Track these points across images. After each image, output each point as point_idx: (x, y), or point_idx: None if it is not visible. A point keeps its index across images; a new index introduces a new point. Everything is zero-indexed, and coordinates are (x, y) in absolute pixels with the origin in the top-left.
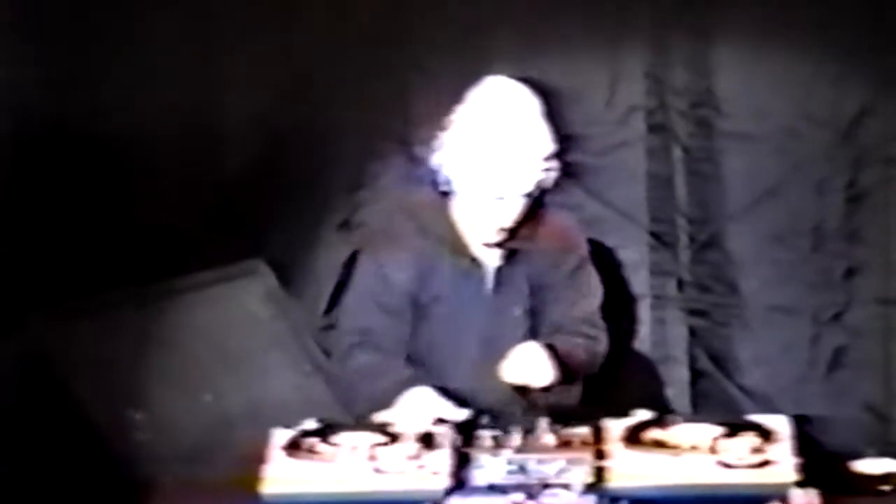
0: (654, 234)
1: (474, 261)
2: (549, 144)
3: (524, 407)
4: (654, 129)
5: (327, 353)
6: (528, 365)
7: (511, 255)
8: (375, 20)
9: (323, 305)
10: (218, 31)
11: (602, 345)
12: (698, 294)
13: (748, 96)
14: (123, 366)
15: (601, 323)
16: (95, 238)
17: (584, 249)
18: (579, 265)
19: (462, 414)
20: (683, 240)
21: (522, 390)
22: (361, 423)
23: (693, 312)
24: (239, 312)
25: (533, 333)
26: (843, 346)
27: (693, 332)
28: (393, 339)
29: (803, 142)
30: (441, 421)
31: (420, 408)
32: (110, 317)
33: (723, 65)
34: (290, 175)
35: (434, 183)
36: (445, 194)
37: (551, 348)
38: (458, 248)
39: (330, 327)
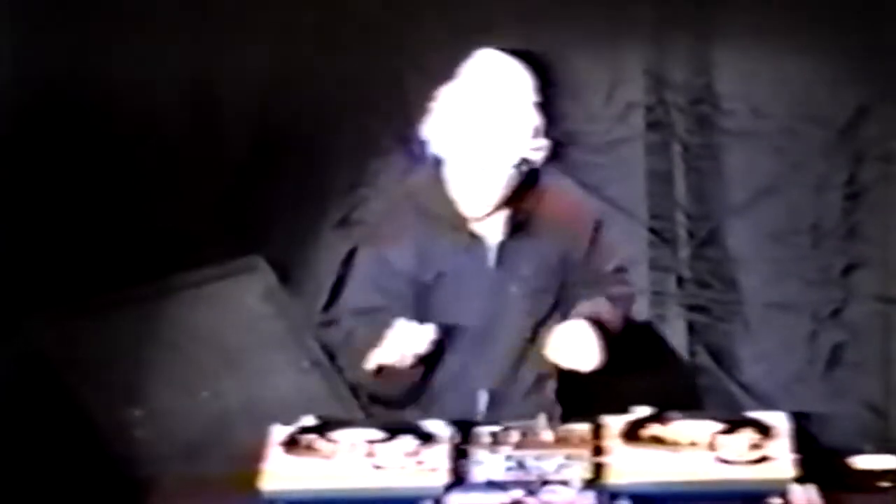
0: (653, 231)
1: (474, 236)
2: (536, 117)
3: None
4: (653, 125)
5: (326, 350)
6: (576, 347)
7: (515, 231)
8: (375, 19)
9: (322, 302)
10: (218, 28)
11: (634, 301)
12: (697, 290)
13: (748, 94)
14: (122, 364)
15: (630, 279)
16: (95, 238)
17: (594, 213)
18: (595, 228)
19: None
20: (683, 236)
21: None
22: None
23: (692, 309)
24: (238, 309)
25: (536, 312)
26: (841, 342)
27: (692, 329)
28: (393, 318)
29: (802, 139)
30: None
31: (403, 339)
32: (110, 316)
33: (722, 62)
34: (290, 173)
35: (424, 156)
36: (437, 167)
37: (594, 321)
38: (457, 224)
39: (329, 324)
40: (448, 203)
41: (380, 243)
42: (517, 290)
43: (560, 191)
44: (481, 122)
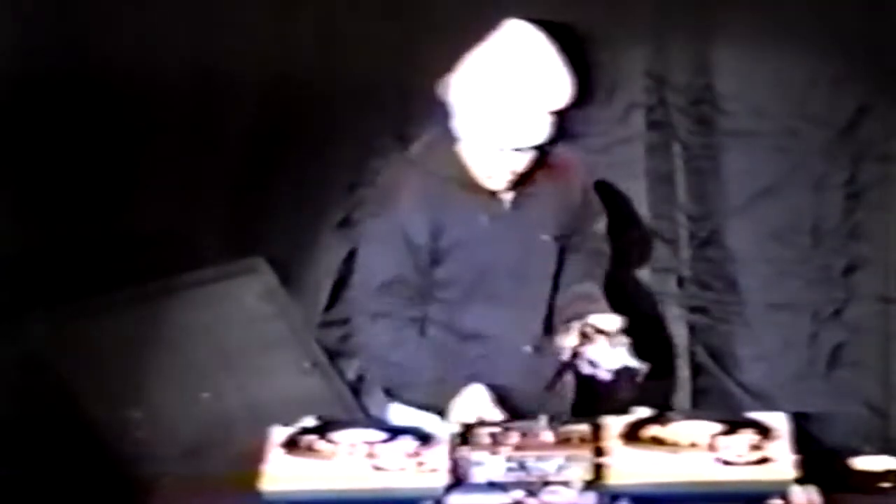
0: (653, 231)
1: (492, 194)
2: (568, 92)
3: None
4: (653, 126)
5: (327, 351)
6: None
7: (519, 185)
8: (375, 19)
9: (323, 303)
10: (218, 29)
11: (609, 262)
12: (698, 291)
13: (748, 94)
14: (122, 364)
15: (608, 244)
16: (95, 238)
17: (587, 175)
18: (586, 188)
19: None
20: (683, 237)
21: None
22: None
23: (693, 309)
24: (238, 310)
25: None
26: (842, 342)
27: (693, 329)
28: (414, 293)
29: (802, 139)
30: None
31: (473, 407)
32: (110, 316)
33: (723, 62)
34: (290, 173)
35: (443, 127)
36: (443, 130)
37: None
38: (468, 183)
39: (329, 324)
40: (459, 164)
41: (393, 214)
42: (545, 237)
43: (557, 152)
44: (514, 103)
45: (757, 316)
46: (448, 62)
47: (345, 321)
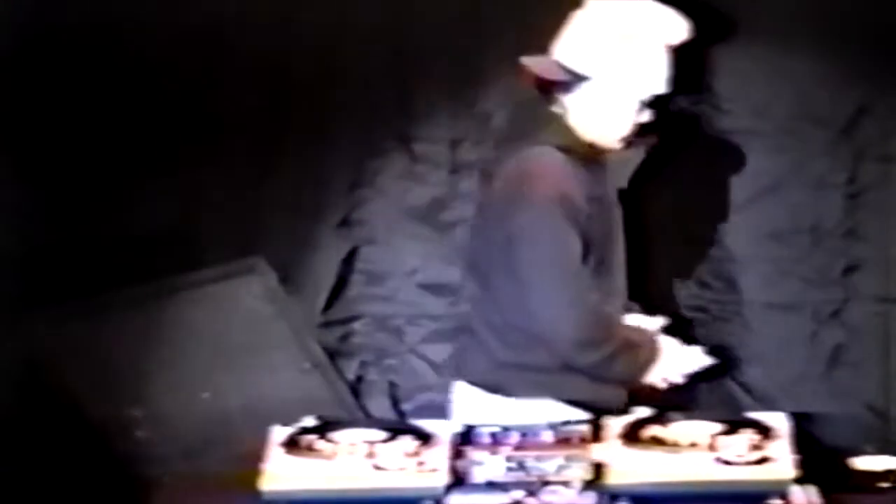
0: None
1: (601, 165)
2: (683, 25)
3: None
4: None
5: (327, 351)
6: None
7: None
8: (376, 19)
9: (322, 303)
10: (217, 27)
11: None
12: (698, 290)
13: (748, 93)
14: (123, 364)
15: None
16: (95, 238)
17: None
18: None
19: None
20: None
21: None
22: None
23: (692, 309)
24: (238, 310)
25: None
26: (841, 343)
27: (692, 329)
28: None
29: (802, 139)
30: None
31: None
32: (110, 316)
33: (722, 62)
34: (290, 173)
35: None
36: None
37: None
38: (586, 157)
39: (329, 324)
40: (575, 136)
41: (563, 199)
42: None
43: None
44: (635, 44)
45: (756, 315)
46: (449, 62)
47: (345, 321)
